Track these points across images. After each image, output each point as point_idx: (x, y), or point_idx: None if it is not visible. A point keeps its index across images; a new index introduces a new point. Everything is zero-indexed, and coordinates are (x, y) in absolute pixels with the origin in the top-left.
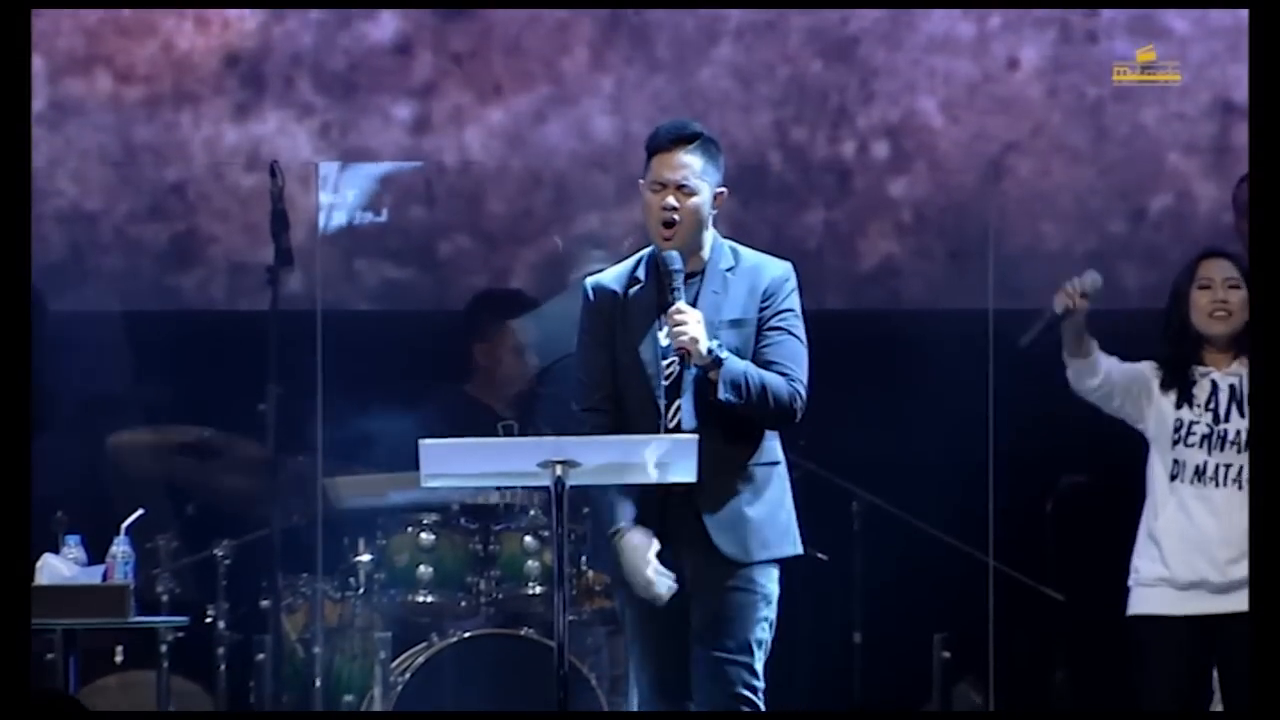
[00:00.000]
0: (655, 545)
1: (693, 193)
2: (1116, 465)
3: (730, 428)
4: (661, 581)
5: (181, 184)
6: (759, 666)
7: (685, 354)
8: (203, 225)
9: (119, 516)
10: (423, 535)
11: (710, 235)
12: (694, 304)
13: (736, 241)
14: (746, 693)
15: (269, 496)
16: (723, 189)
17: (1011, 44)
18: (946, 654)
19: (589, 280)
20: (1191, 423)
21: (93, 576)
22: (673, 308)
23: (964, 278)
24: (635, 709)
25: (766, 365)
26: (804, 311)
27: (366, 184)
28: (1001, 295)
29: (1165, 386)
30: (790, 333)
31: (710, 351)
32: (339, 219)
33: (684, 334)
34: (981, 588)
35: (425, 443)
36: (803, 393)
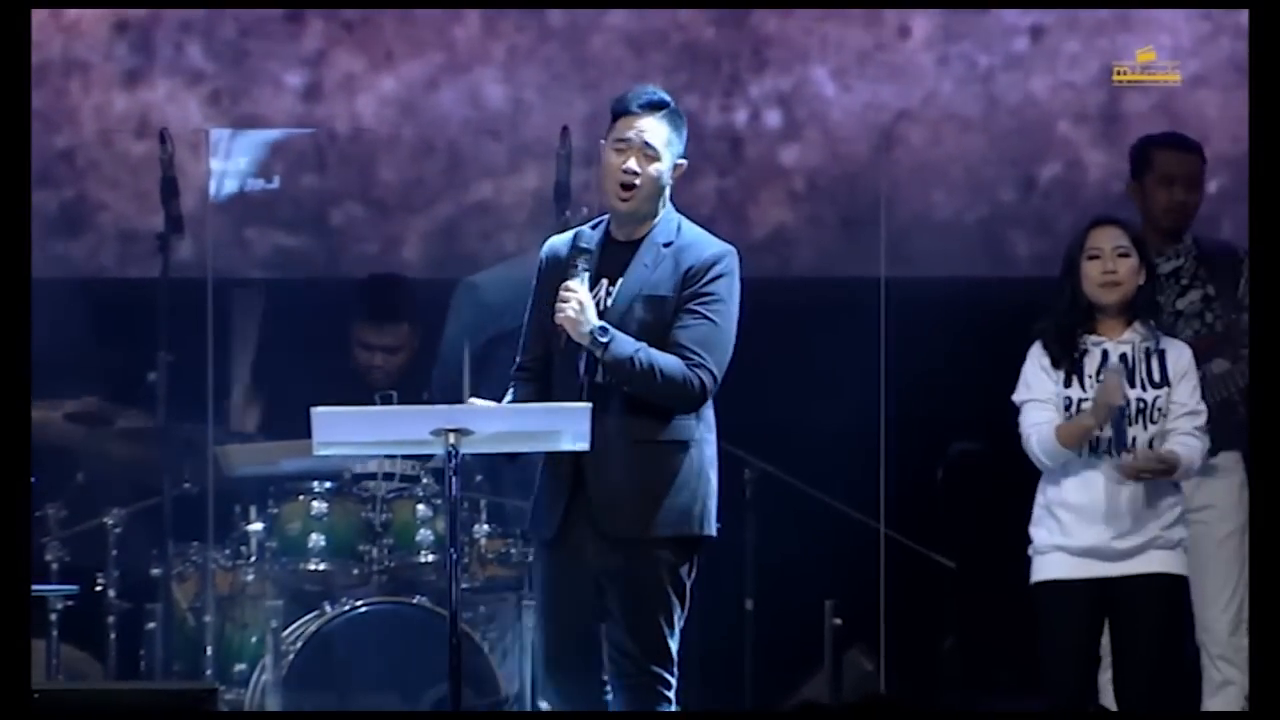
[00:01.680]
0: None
1: (656, 158)
2: (1007, 432)
3: (635, 403)
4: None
5: (70, 150)
6: (670, 645)
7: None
8: (92, 192)
9: None
10: (314, 503)
11: (665, 208)
12: (622, 274)
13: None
14: (659, 669)
15: (159, 464)
16: (683, 160)
17: (903, 12)
18: (838, 620)
19: (548, 241)
20: (1080, 400)
21: None
22: (563, 285)
23: (855, 246)
24: (531, 674)
25: (675, 346)
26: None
27: (257, 151)
28: (893, 263)
29: (1055, 365)
30: (706, 317)
31: (593, 333)
32: (230, 186)
33: (561, 313)
34: (872, 555)
35: (317, 411)
36: (704, 378)
